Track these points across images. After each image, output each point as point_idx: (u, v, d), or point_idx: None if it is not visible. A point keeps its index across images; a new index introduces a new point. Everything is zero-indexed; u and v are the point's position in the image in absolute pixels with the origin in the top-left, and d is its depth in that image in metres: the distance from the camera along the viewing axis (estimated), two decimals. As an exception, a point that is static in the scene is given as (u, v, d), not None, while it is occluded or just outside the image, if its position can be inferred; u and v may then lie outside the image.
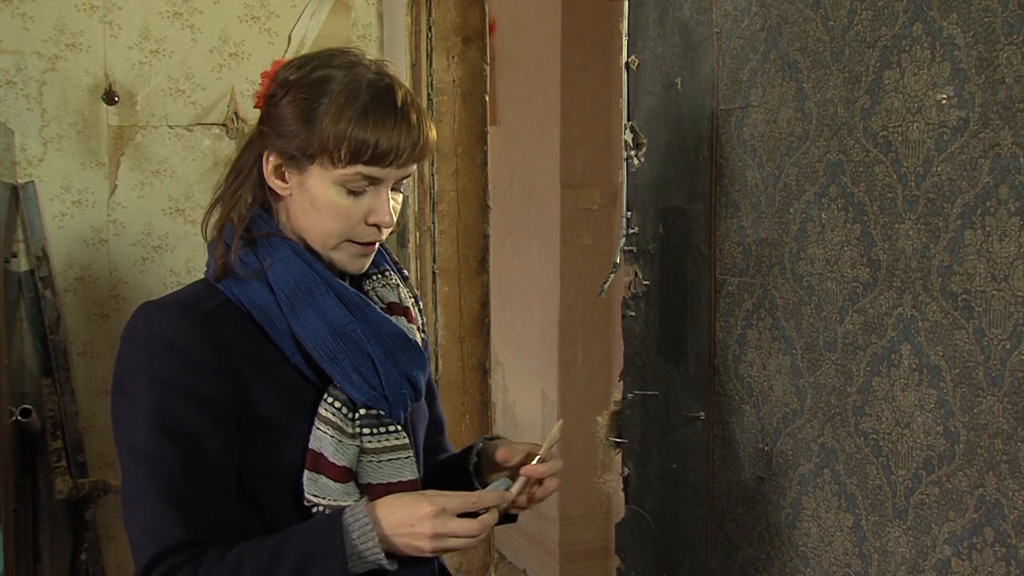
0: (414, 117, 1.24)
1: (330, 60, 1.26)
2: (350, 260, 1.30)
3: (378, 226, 1.27)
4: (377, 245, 1.32)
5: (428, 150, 1.27)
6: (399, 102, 1.23)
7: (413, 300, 1.43)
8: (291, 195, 1.28)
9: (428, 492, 1.21)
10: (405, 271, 1.45)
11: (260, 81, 1.31)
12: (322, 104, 1.22)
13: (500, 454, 1.37)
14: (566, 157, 3.78)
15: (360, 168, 1.22)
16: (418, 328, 1.40)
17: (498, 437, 1.51)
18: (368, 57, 1.28)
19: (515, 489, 1.29)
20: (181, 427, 1.20)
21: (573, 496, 3.83)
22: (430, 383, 1.54)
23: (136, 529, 1.21)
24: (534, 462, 1.32)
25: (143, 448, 1.20)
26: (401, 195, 1.31)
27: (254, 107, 1.31)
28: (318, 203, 1.25)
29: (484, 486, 1.39)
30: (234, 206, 1.29)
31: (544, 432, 3.99)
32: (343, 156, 1.21)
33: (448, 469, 1.48)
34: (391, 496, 1.22)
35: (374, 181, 1.25)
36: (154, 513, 1.19)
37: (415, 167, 1.29)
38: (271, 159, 1.27)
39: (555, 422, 1.41)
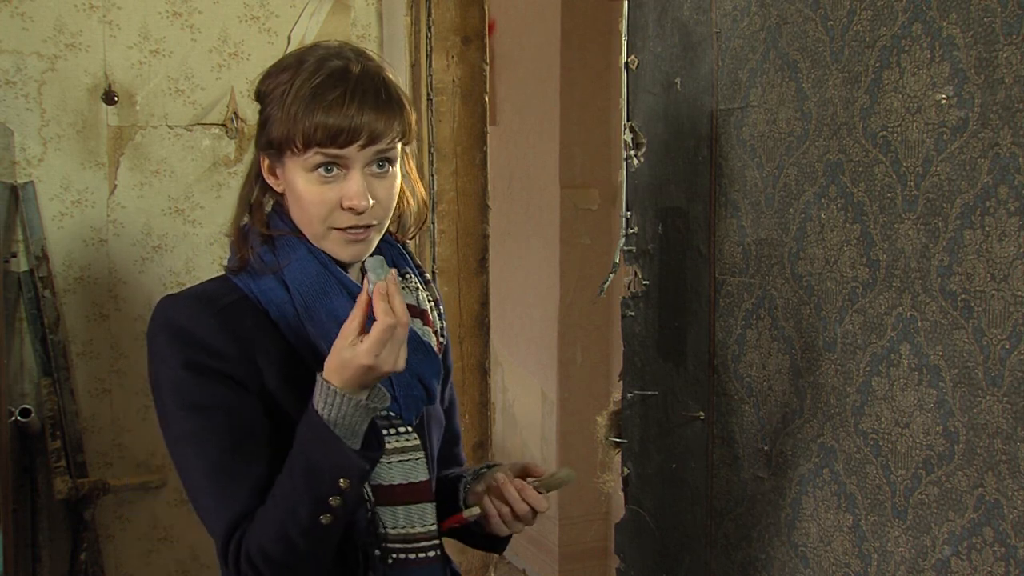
0: (372, 96, 1.21)
1: (303, 53, 1.26)
2: (340, 248, 1.27)
3: (353, 209, 1.23)
4: (371, 233, 1.27)
5: (395, 129, 1.22)
6: (353, 81, 1.20)
7: (433, 304, 1.42)
8: (284, 191, 1.28)
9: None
10: (427, 274, 1.44)
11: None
12: (282, 95, 1.22)
13: (498, 478, 1.34)
14: (565, 157, 3.78)
15: (319, 150, 1.20)
16: (435, 332, 1.39)
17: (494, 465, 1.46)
18: (347, 47, 1.26)
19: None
20: (214, 402, 1.21)
21: (573, 496, 3.82)
22: (452, 395, 1.51)
23: (203, 511, 1.23)
24: (534, 486, 1.31)
25: (183, 432, 1.22)
26: (391, 177, 1.27)
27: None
28: (296, 192, 1.25)
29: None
30: (250, 205, 1.31)
31: (544, 434, 3.99)
32: (299, 142, 1.20)
33: (441, 491, 1.44)
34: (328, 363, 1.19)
35: (340, 164, 1.22)
36: (211, 490, 1.21)
37: (395, 147, 1.25)
38: (264, 158, 1.28)
39: (569, 471, 1.37)
